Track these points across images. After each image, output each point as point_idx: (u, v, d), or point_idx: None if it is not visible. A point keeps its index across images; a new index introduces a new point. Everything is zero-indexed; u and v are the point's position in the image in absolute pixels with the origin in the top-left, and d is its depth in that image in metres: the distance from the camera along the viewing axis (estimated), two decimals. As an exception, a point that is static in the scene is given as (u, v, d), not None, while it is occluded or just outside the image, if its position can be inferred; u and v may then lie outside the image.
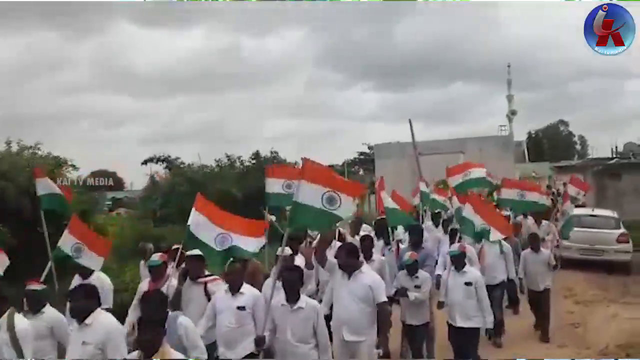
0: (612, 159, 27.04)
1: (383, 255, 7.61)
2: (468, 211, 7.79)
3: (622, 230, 13.92)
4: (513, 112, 60.22)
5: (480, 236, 7.87)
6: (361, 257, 6.51)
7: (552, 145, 67.32)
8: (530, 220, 12.00)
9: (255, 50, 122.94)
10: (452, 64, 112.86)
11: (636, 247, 14.16)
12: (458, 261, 6.63)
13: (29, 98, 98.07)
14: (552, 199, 15.62)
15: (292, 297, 4.85)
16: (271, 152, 21.93)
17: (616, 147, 36.05)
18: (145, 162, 21.45)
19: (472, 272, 6.65)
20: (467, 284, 6.46)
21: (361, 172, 47.89)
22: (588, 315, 9.78)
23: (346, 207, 4.75)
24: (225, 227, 5.40)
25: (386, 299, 5.36)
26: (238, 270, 5.30)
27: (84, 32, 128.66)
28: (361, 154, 50.20)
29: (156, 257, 6.18)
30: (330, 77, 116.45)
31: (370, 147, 42.17)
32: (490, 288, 8.03)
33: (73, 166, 12.39)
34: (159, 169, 21.55)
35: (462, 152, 31.47)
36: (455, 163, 29.78)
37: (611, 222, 14.30)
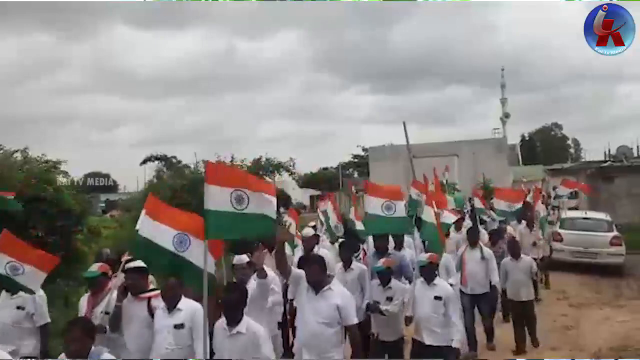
0: (605, 162, 27.13)
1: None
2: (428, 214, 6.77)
3: (615, 233, 13.98)
4: (507, 115, 60.45)
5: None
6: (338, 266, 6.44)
7: (545, 148, 67.62)
8: (522, 225, 11.92)
9: (251, 53, 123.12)
10: (447, 67, 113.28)
11: (629, 250, 14.23)
12: (427, 272, 5.89)
13: (23, 99, 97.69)
14: (544, 203, 15.58)
15: (232, 319, 4.33)
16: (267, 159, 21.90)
17: (609, 150, 36.15)
18: (144, 162, 21.42)
19: (442, 285, 5.93)
20: (437, 298, 5.76)
21: (356, 175, 47.94)
22: (581, 318, 9.80)
23: (261, 205, 4.33)
24: (181, 227, 4.62)
25: (356, 321, 4.75)
26: (173, 285, 4.69)
27: (79, 34, 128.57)
28: (356, 156, 50.27)
29: (95, 267, 5.34)
30: (326, 79, 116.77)
31: (365, 150, 42.25)
32: (474, 299, 7.97)
33: (64, 172, 12.28)
34: (162, 169, 21.49)
35: (457, 155, 31.61)
36: (450, 166, 30.01)
37: (604, 225, 14.36)
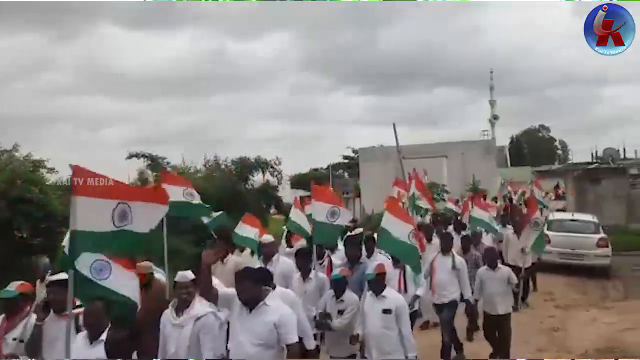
0: (592, 163, 27.37)
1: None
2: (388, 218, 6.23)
3: (602, 234, 14.09)
4: (495, 117, 60.89)
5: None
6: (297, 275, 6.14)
7: (532, 150, 68.08)
8: (509, 230, 11.45)
9: (241, 53, 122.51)
10: (436, 69, 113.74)
11: (615, 251, 14.33)
12: (375, 285, 5.34)
13: (11, 99, 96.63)
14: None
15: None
16: (256, 160, 21.86)
17: (596, 152, 36.50)
18: (129, 157, 21.09)
19: (392, 296, 5.37)
20: (385, 311, 5.23)
21: (346, 176, 47.95)
22: (568, 320, 9.85)
23: (149, 217, 3.86)
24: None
25: (296, 339, 4.23)
26: (96, 311, 3.96)
27: (69, 34, 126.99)
28: (346, 157, 50.26)
29: (12, 286, 4.72)
30: (316, 80, 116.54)
31: (355, 151, 42.22)
32: (438, 307, 7.57)
33: (51, 169, 12.15)
34: (143, 166, 21.25)
35: (445, 157, 31.72)
36: (439, 167, 30.11)
37: (591, 226, 14.47)
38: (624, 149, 42.36)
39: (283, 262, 6.77)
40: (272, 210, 24.76)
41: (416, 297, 6.76)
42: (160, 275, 5.80)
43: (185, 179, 8.12)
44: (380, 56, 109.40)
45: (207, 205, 8.33)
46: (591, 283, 13.01)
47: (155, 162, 20.69)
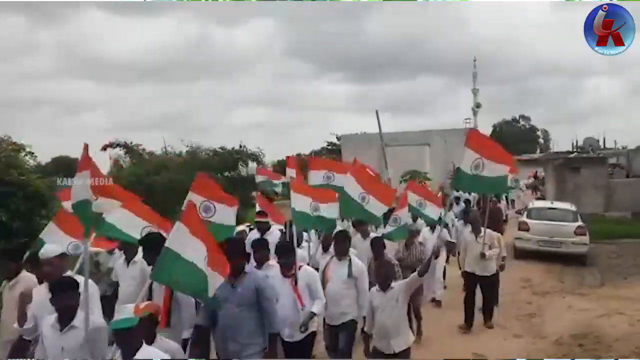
0: (572, 152, 27.73)
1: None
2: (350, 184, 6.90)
3: (580, 223, 14.32)
4: (478, 106, 60.85)
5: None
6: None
7: (514, 138, 68.62)
8: (467, 228, 9.20)
9: (225, 40, 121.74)
10: (419, 58, 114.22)
11: (593, 239, 14.58)
12: None
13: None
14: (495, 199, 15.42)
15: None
16: (240, 146, 21.66)
17: (577, 141, 37.00)
18: (104, 148, 20.74)
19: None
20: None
21: (329, 162, 47.93)
22: (545, 306, 10.02)
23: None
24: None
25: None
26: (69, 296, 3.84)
27: (52, 18, 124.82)
28: (329, 144, 50.24)
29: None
30: (299, 68, 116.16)
31: (338, 138, 42.16)
32: (330, 330, 5.97)
33: (31, 153, 11.98)
34: (120, 154, 21.00)
35: (428, 144, 31.88)
36: (421, 155, 30.20)
37: (569, 215, 14.68)
38: (604, 139, 43.00)
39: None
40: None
41: (312, 314, 5.30)
42: None
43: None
44: (364, 45, 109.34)
45: None
46: (568, 270, 13.23)
47: (130, 150, 20.48)
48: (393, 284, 5.33)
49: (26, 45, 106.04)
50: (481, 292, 8.62)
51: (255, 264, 5.35)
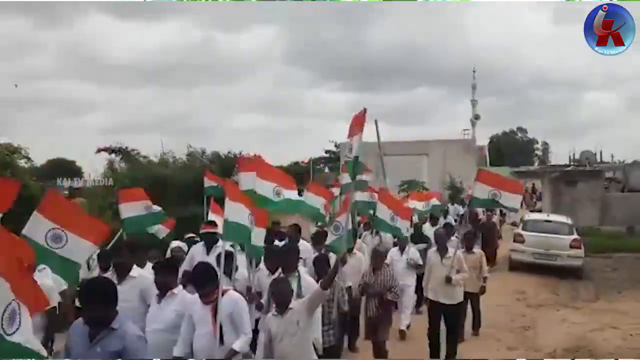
0: (569, 166, 27.78)
1: None
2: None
3: (575, 236, 14.30)
4: (477, 117, 61.18)
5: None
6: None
7: (511, 151, 68.79)
8: (432, 249, 7.83)
9: (226, 46, 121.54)
10: (418, 68, 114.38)
11: (588, 253, 14.56)
12: None
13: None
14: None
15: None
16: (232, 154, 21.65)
17: (574, 154, 37.06)
18: (98, 151, 20.65)
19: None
20: None
21: (327, 170, 47.96)
22: (539, 319, 10.00)
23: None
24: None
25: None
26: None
27: (55, 19, 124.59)
28: (327, 151, 50.27)
29: None
30: (299, 75, 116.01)
31: (337, 146, 42.22)
32: None
33: (27, 158, 11.94)
34: (115, 159, 20.93)
35: (426, 154, 31.95)
36: (420, 164, 30.24)
37: (565, 228, 14.66)
38: (601, 153, 43.08)
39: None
40: None
41: (233, 352, 4.40)
42: None
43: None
44: (363, 53, 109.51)
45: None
46: (563, 283, 13.22)
47: (126, 154, 20.40)
48: (292, 303, 4.41)
49: (27, 46, 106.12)
50: (445, 323, 7.38)
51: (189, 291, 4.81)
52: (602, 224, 20.25)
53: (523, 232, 14.53)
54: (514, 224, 20.10)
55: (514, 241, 14.52)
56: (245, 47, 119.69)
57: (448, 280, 7.16)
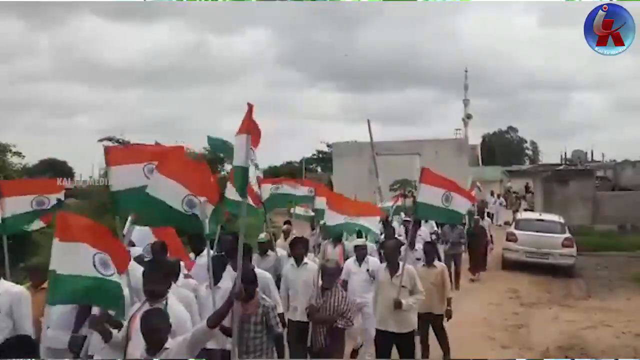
0: (560, 165, 27.95)
1: None
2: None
3: (567, 234, 14.38)
4: (468, 116, 61.27)
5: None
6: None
7: (501, 151, 69.10)
8: (382, 265, 6.44)
9: (218, 48, 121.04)
10: (411, 69, 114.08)
11: (580, 251, 14.65)
12: None
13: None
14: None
15: None
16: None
17: (565, 154, 37.37)
18: (101, 140, 20.56)
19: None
20: None
21: (319, 171, 48.01)
22: (531, 317, 10.03)
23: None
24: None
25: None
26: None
27: (48, 21, 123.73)
28: (319, 152, 50.33)
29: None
30: (292, 76, 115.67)
31: (329, 146, 42.27)
32: None
33: (18, 153, 11.86)
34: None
35: (419, 154, 31.97)
36: (412, 164, 30.35)
37: (557, 226, 14.74)
38: (592, 152, 43.47)
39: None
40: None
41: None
42: None
43: None
44: (356, 55, 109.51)
45: None
46: (555, 282, 13.28)
47: (126, 146, 20.33)
48: (168, 342, 3.38)
49: (20, 47, 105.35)
50: (399, 356, 6.04)
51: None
52: (594, 222, 20.39)
53: (515, 231, 14.60)
54: (507, 223, 20.20)
55: (507, 240, 14.60)
56: (238, 49, 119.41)
57: (397, 304, 5.78)
